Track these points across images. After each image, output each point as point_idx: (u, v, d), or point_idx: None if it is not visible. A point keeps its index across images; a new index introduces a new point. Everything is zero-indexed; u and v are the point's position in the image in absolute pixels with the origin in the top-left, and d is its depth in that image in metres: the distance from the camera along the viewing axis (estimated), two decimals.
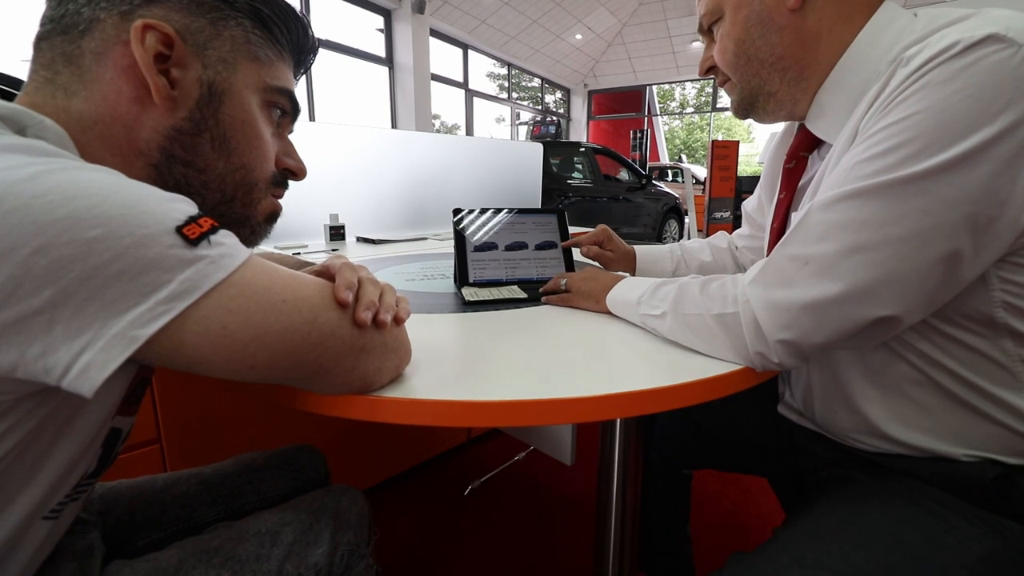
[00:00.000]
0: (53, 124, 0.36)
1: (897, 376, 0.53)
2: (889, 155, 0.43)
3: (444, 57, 8.24)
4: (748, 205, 0.87)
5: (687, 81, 12.58)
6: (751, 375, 0.52)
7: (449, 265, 1.12)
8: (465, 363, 0.54)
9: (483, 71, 9.85)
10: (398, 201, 1.76)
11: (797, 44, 0.55)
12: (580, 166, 5.31)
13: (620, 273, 0.77)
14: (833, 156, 0.53)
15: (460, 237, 0.90)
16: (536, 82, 11.38)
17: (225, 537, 0.52)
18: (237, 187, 0.46)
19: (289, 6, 0.47)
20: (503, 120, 10.74)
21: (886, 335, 0.47)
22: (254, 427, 1.07)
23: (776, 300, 0.48)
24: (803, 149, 0.62)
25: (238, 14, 0.43)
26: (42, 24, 0.40)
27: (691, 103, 17.07)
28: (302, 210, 1.46)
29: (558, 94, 12.37)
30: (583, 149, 5.44)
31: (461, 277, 0.87)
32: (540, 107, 11.70)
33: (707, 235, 0.97)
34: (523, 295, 0.81)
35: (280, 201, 0.52)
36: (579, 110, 12.45)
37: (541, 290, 0.79)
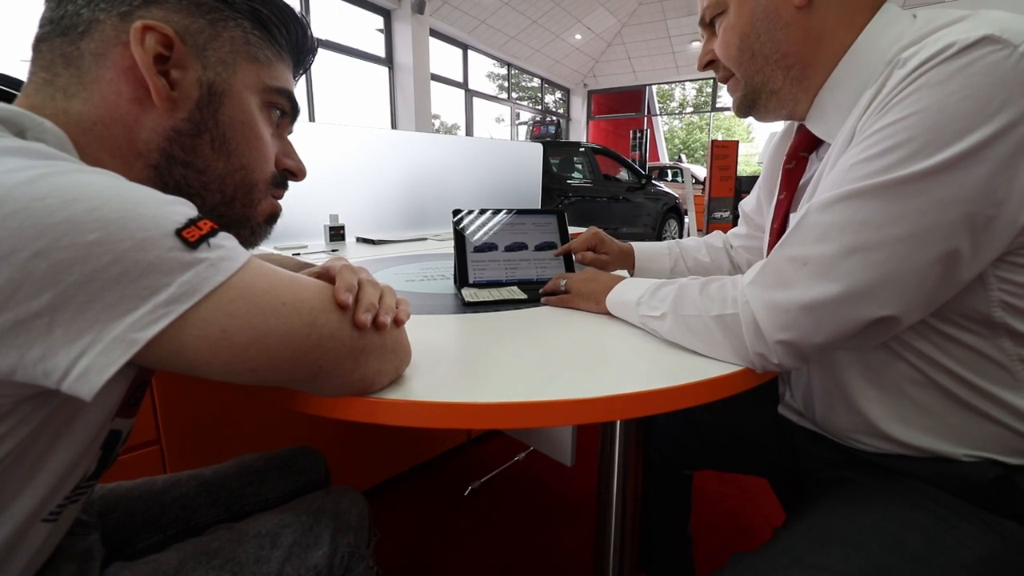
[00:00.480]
0: (53, 126, 0.36)
1: (897, 376, 0.53)
2: (887, 156, 0.43)
3: (444, 57, 8.25)
4: (746, 205, 0.87)
5: (687, 81, 12.59)
6: (751, 376, 0.52)
7: (449, 266, 1.12)
8: (465, 364, 0.54)
9: (483, 71, 9.87)
10: (398, 202, 1.75)
11: (801, 42, 0.55)
12: (580, 166, 5.31)
13: (620, 274, 0.77)
14: (831, 157, 0.53)
15: (460, 238, 0.90)
16: (536, 82, 11.38)
17: (225, 539, 0.52)
18: (237, 188, 0.46)
19: (288, 7, 0.47)
20: (503, 120, 10.76)
21: (885, 335, 0.47)
22: (254, 428, 1.07)
23: (775, 301, 0.48)
24: (803, 149, 0.62)
25: (237, 15, 0.43)
26: (41, 26, 0.40)
27: (691, 103, 17.08)
28: (302, 211, 1.46)
29: (558, 94, 12.37)
30: (583, 149, 5.44)
31: (461, 278, 0.87)
32: (540, 107, 11.69)
33: (706, 235, 0.96)
34: (523, 296, 0.81)
35: (280, 202, 0.52)
36: (579, 110, 12.45)
37: (541, 291, 0.79)
